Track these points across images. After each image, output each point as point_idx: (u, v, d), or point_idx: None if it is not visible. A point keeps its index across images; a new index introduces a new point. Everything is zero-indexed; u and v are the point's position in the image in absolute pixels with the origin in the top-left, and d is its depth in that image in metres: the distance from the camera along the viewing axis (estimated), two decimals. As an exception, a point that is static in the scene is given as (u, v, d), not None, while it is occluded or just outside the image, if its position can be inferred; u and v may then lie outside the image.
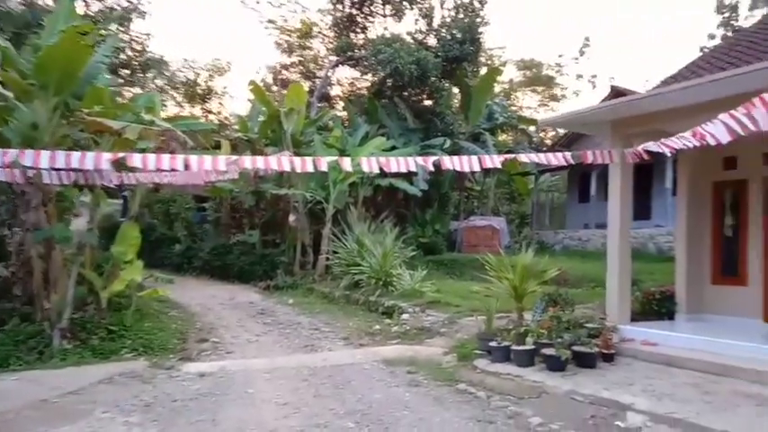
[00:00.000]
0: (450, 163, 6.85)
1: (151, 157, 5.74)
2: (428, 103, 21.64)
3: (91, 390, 6.02)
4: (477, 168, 7.09)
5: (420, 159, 6.83)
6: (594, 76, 45.63)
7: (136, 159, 5.62)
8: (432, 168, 7.02)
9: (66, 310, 8.32)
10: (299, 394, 5.94)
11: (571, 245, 20.75)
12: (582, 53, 41.68)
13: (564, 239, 21.08)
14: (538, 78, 42.92)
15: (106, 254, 10.10)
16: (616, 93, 19.51)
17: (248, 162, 6.09)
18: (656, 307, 8.47)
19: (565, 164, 7.46)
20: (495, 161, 7.10)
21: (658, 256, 16.53)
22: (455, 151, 19.32)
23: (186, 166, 5.68)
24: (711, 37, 30.90)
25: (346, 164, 6.62)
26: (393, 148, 17.49)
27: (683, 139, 5.13)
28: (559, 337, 6.61)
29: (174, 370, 7.08)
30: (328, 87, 24.86)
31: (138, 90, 18.30)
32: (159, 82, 22.20)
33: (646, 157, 6.81)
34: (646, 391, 5.44)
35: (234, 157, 6.39)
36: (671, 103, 6.89)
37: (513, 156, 7.89)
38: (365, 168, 6.76)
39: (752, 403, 4.89)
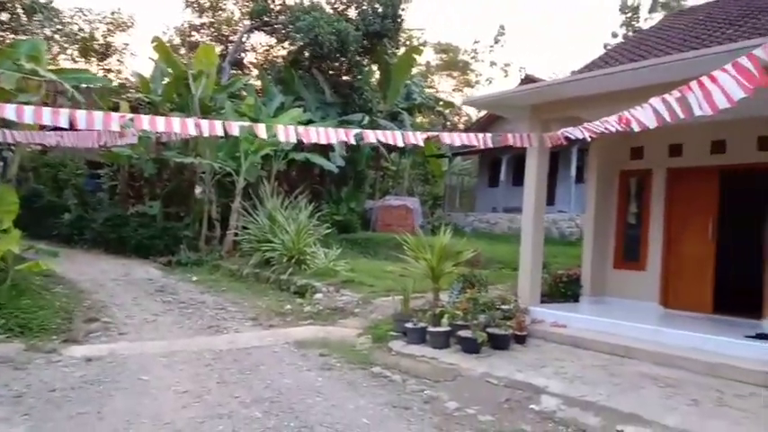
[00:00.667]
0: (374, 137, 6.54)
1: (28, 109, 4.89)
2: (346, 78, 21.12)
3: (-52, 379, 5.13)
4: (400, 143, 6.87)
5: (342, 131, 6.45)
6: (507, 65, 47.19)
7: (8, 111, 4.75)
8: (353, 141, 6.69)
9: (-74, 284, 7.14)
10: (200, 381, 5.43)
11: (480, 227, 21.31)
12: (497, 41, 42.91)
13: (473, 222, 21.60)
14: (454, 63, 43.65)
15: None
16: (530, 81, 20.09)
17: (147, 123, 5.39)
18: (563, 289, 8.73)
19: (485, 146, 7.41)
20: (417, 138, 6.88)
21: (561, 240, 17.34)
22: (373, 128, 19.06)
23: (72, 124, 4.89)
24: (614, 35, 32.79)
25: (261, 131, 6.09)
26: (310, 121, 16.83)
27: (607, 124, 5.14)
28: (475, 319, 6.57)
29: (55, 354, 6.25)
30: (242, 53, 23.52)
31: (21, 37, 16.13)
32: (48, 31, 19.77)
33: (564, 142, 6.87)
34: (558, 373, 5.50)
35: (129, 116, 5.63)
36: (593, 89, 6.98)
37: (435, 134, 7.70)
38: (282, 138, 6.27)
39: (656, 385, 5.07)
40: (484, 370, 5.66)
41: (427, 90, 28.66)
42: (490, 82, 43.62)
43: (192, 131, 5.65)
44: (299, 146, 15.87)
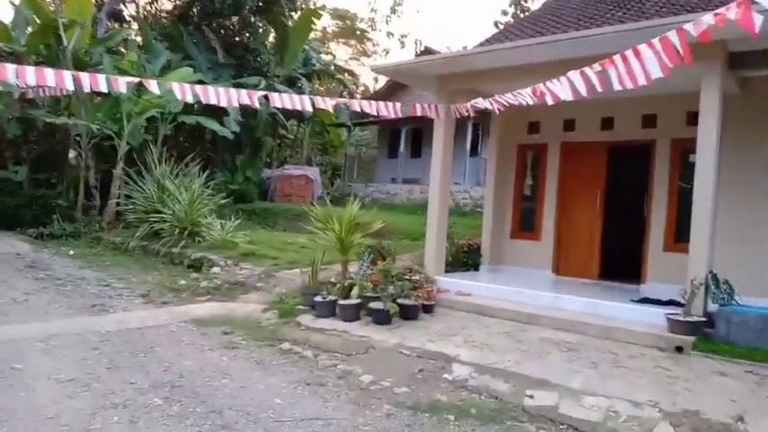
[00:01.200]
0: (281, 101, 6.13)
1: None
2: (239, 39, 19.94)
3: None
4: (308, 108, 6.55)
5: (244, 93, 5.97)
6: (404, 36, 47.44)
7: None
8: (257, 105, 6.24)
9: None
10: (87, 366, 4.85)
11: (380, 198, 21.43)
12: (393, 11, 42.74)
13: (373, 192, 21.66)
14: (351, 31, 42.98)
15: None
16: (428, 53, 20.26)
17: (11, 72, 4.57)
18: (465, 259, 8.98)
19: (395, 115, 7.29)
20: (327, 103, 6.59)
21: (456, 211, 17.92)
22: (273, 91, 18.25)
23: None
24: (504, 13, 33.99)
25: (153, 87, 5.45)
26: (200, 82, 15.67)
27: (520, 97, 5.20)
28: (384, 291, 6.52)
29: None
30: (121, 4, 21.25)
31: None
32: None
33: (472, 113, 6.92)
34: (467, 342, 5.61)
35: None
36: (501, 62, 7.07)
37: (345, 100, 7.41)
38: (178, 95, 5.67)
39: (559, 350, 5.34)
40: (396, 341, 5.63)
41: (325, 57, 28.00)
42: (387, 52, 43.62)
43: (70, 85, 4.90)
44: (189, 108, 14.80)
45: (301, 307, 6.84)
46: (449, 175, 8.34)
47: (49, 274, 9.10)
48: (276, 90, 18.24)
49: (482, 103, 6.34)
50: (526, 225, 9.29)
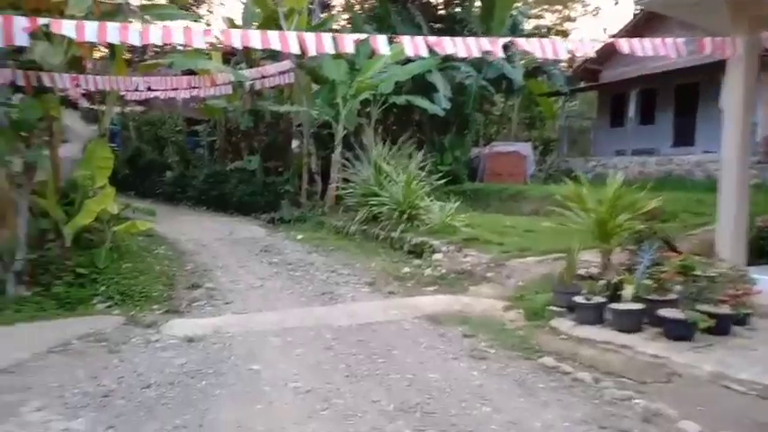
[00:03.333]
0: (529, 46, 4.82)
1: (91, 25, 3.70)
2: (442, 13, 19.06)
3: (34, 365, 4.30)
4: (563, 55, 5.13)
5: (485, 40, 4.80)
6: (620, -9, 41.91)
7: (67, 27, 3.60)
8: (500, 54, 5.04)
9: (20, 248, 6.54)
10: (323, 373, 4.23)
11: (604, 173, 18.75)
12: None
13: (596, 167, 19.07)
14: (554, -5, 39.19)
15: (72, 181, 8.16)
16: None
17: (237, 38, 4.08)
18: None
19: (676, 54, 5.44)
20: (586, 47, 5.07)
21: (710, 184, 14.65)
22: (480, 65, 17.02)
23: (143, 40, 3.66)
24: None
25: (381, 45, 4.63)
26: (408, 60, 15.15)
27: None
28: (669, 291, 4.85)
29: (154, 330, 5.37)
30: (331, -5, 22.01)
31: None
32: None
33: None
34: (836, 377, 3.71)
35: (216, 31, 4.34)
36: None
37: (610, 40, 5.75)
38: (410, 51, 4.77)
39: None
40: (711, 368, 3.98)
41: (533, 22, 25.73)
42: (596, 13, 38.97)
43: (294, 48, 4.30)
44: (398, 89, 14.36)
45: (554, 308, 5.50)
46: (748, 135, 6.15)
47: (281, 258, 9.22)
48: (486, 60, 17.05)
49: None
50: None
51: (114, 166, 8.00)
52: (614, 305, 4.91)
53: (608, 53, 19.82)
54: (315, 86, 14.23)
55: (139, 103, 18.64)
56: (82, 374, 4.08)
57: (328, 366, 4.37)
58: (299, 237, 11.15)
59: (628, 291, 5.06)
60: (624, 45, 5.30)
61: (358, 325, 5.52)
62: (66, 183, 8.21)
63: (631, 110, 18.80)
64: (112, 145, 19.86)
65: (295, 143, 14.73)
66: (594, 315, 5.03)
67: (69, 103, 10.08)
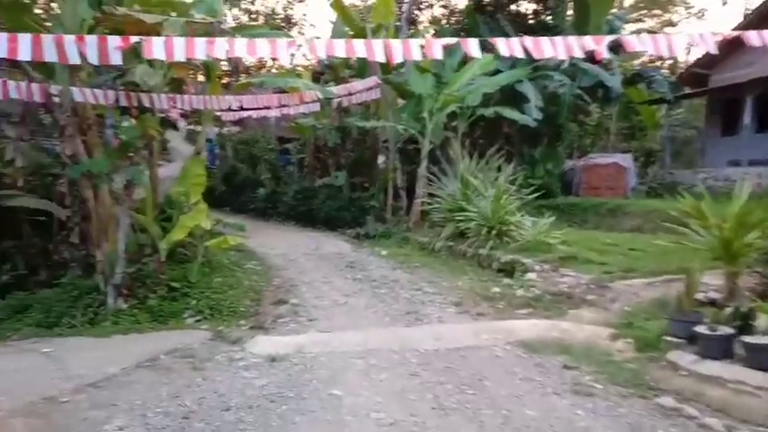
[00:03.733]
0: (640, 43, 4.30)
1: (179, 42, 3.71)
2: (532, 23, 18.35)
3: (121, 380, 4.34)
4: (679, 52, 4.56)
5: (588, 39, 4.34)
6: (727, -9, 38.78)
7: (156, 46, 3.62)
8: (606, 54, 4.55)
9: (119, 262, 6.82)
10: (408, 403, 3.91)
11: (715, 186, 17.06)
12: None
13: (706, 180, 17.40)
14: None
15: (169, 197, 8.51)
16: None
17: (323, 48, 3.93)
18: None
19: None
20: (707, 41, 4.45)
21: None
22: (574, 73, 16.15)
23: (229, 53, 3.60)
24: None
25: (473, 48, 4.29)
26: (497, 71, 14.66)
27: None
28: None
29: (239, 347, 5.31)
30: (416, 10, 21.96)
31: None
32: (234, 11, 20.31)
33: None
34: None
35: (300, 41, 4.23)
36: None
37: (737, 33, 5.03)
38: (504, 51, 4.37)
39: None
40: None
41: (631, 26, 24.23)
42: (702, 15, 36.07)
43: (380, 56, 4.09)
44: (486, 101, 13.91)
45: (670, 338, 4.83)
46: None
47: (366, 274, 9.05)
48: (580, 68, 16.18)
49: None
50: None
51: (211, 184, 8.37)
52: (747, 338, 4.19)
53: (719, 55, 18.18)
54: (400, 103, 14.15)
55: (235, 123, 19.57)
56: (165, 393, 4.05)
57: (414, 396, 4.05)
58: (384, 252, 10.96)
59: (762, 321, 4.33)
60: (754, 37, 4.59)
61: (445, 349, 5.16)
62: (165, 199, 8.61)
63: (747, 116, 17.05)
64: (211, 166, 21.03)
65: (381, 159, 14.70)
66: (721, 349, 4.33)
67: (169, 123, 10.67)
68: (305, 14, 25.30)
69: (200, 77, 11.23)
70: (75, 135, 6.54)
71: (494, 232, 9.66)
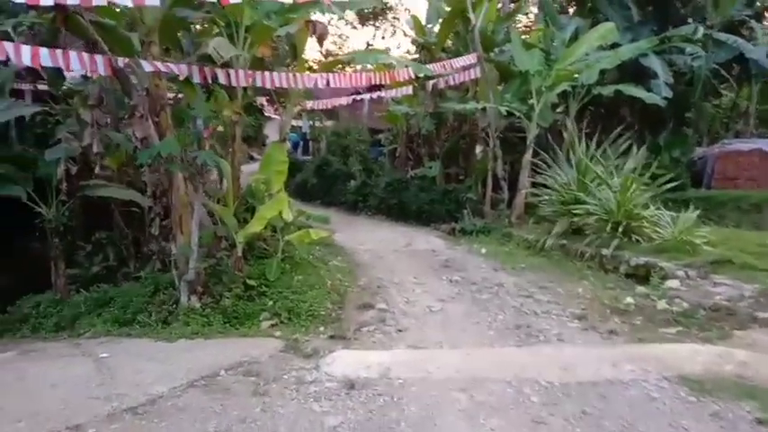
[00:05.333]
0: None
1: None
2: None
3: (165, 405, 3.53)
4: None
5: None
6: None
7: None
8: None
9: (192, 256, 6.18)
10: (535, 471, 2.72)
11: None
12: None
13: None
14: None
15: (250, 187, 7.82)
16: None
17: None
18: None
19: None
20: None
21: None
22: (706, 43, 13.77)
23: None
24: None
25: None
26: (614, 45, 12.74)
27: None
28: None
29: (313, 363, 4.39)
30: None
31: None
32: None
33: None
34: None
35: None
36: None
37: None
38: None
39: None
40: None
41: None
42: None
43: None
44: (601, 78, 12.12)
45: None
46: None
47: (464, 276, 7.84)
48: (716, 39, 13.80)
49: None
50: None
51: (304, 177, 7.64)
52: None
53: None
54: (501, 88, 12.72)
55: (327, 113, 19.05)
56: (212, 426, 3.16)
57: (542, 458, 2.85)
58: (484, 251, 9.67)
59: None
60: None
61: (577, 383, 3.88)
62: (247, 190, 7.95)
63: None
64: (305, 158, 20.64)
65: (479, 148, 13.35)
66: None
67: (255, 108, 10.10)
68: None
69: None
70: (147, 116, 5.95)
71: (620, 229, 8.07)
